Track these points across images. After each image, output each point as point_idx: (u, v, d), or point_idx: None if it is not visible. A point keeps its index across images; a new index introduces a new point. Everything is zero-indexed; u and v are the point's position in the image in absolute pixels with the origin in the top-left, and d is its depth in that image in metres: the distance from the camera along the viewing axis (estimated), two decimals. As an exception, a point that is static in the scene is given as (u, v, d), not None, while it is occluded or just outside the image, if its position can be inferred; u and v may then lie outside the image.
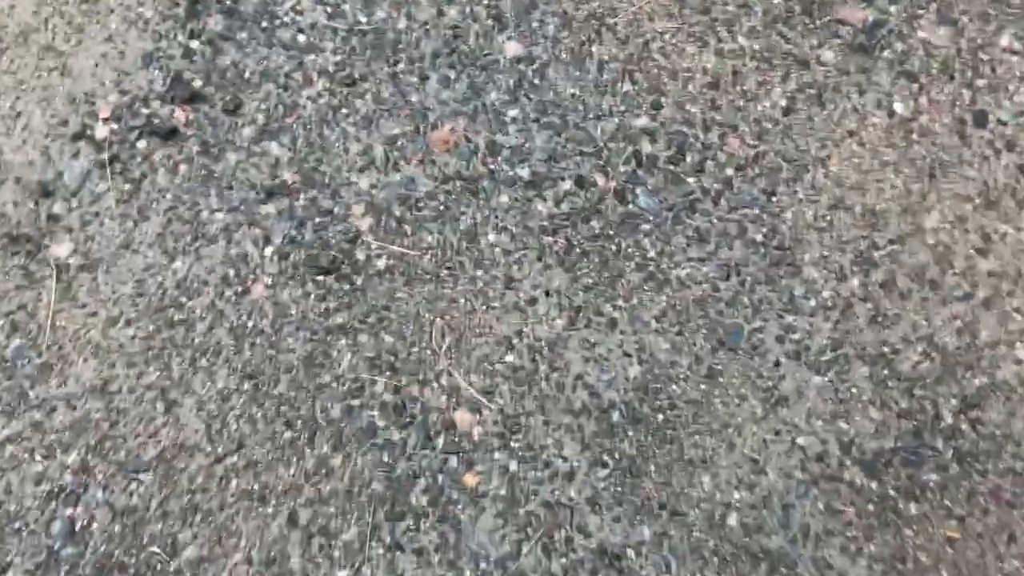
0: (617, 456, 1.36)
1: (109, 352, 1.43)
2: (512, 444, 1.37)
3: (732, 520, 1.34)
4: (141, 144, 1.58)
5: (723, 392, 1.40)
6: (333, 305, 1.47)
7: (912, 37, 1.64)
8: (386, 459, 1.37)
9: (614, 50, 1.65)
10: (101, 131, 1.59)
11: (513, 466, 1.36)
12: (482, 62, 1.64)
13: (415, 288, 1.48)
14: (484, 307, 1.46)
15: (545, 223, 1.52)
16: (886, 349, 1.43)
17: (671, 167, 1.56)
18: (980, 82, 1.60)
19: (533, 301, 1.47)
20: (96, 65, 1.64)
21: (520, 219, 1.52)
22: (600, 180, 1.55)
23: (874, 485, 1.36)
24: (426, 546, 1.32)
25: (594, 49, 1.65)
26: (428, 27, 1.67)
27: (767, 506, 1.34)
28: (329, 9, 1.69)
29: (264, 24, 1.68)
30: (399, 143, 1.58)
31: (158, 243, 1.51)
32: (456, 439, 1.38)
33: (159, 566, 1.31)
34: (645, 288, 1.47)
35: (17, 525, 1.34)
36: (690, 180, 1.55)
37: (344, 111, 1.61)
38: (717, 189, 1.54)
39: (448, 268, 1.49)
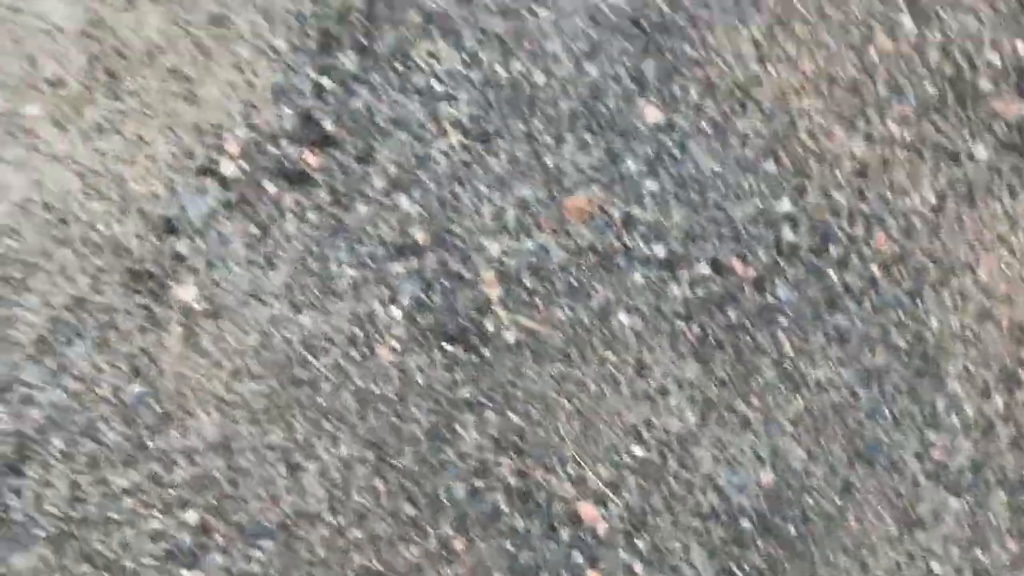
0: (746, 568, 1.33)
1: (232, 407, 1.41)
2: (637, 543, 1.35)
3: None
4: (269, 186, 1.54)
5: (858, 508, 1.36)
6: (460, 377, 1.43)
7: (1071, 140, 1.58)
8: (509, 547, 1.34)
9: (758, 125, 1.59)
10: (228, 167, 1.55)
11: (638, 567, 1.33)
12: (621, 127, 1.59)
13: (544, 366, 1.44)
14: (613, 393, 1.43)
15: (679, 308, 1.48)
16: (1024, 474, 1.39)
17: (813, 258, 1.51)
18: None
19: (664, 391, 1.43)
20: (224, 95, 1.60)
21: (654, 301, 1.48)
22: (738, 266, 1.51)
23: (1004, 618, 1.33)
24: (544, 640, 1.30)
25: (737, 122, 1.59)
26: (566, 84, 1.62)
27: (894, 630, 1.32)
28: (466, 56, 1.63)
29: (398, 66, 1.62)
30: (532, 208, 1.54)
31: (285, 294, 1.47)
32: (581, 533, 1.35)
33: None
34: (780, 387, 1.43)
35: (131, 579, 1.32)
36: (832, 274, 1.50)
37: (477, 168, 1.56)
38: (860, 287, 1.49)
39: (578, 348, 1.45)
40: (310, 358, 1.44)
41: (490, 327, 1.46)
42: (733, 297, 1.49)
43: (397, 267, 1.50)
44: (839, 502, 1.37)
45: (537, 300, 1.48)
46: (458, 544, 1.34)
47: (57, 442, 1.37)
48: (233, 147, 1.57)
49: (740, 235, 1.52)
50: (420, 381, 1.43)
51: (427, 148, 1.58)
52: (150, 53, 1.62)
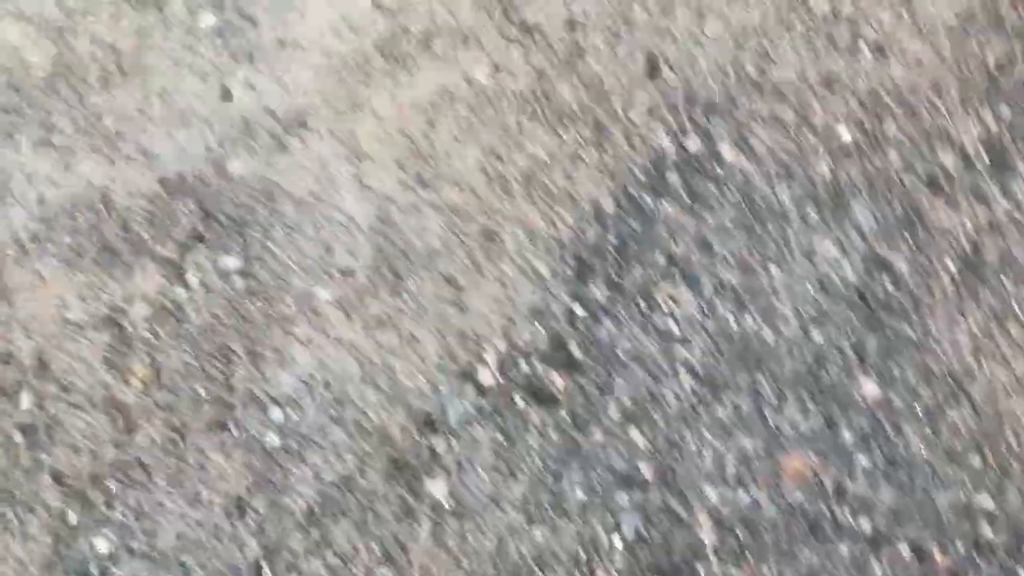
0: None
1: (467, 605, 1.58)
2: None
3: None
4: (520, 400, 1.73)
5: None
6: (670, 615, 1.58)
7: None
8: None
9: (968, 418, 1.71)
10: (486, 376, 1.75)
11: None
12: (840, 397, 1.73)
13: (747, 619, 1.57)
14: (809, 658, 1.55)
15: (879, 587, 1.60)
16: None
17: (1008, 559, 1.61)
18: None
19: (857, 667, 1.54)
20: (488, 308, 1.81)
21: None
22: (937, 555, 1.62)
23: None
24: None
25: (949, 412, 1.72)
26: (792, 346, 1.77)
27: None
28: (704, 304, 1.81)
29: (642, 303, 1.81)
30: (751, 462, 1.69)
31: (522, 505, 1.65)
32: None
33: None
34: None
35: None
36: (1026, 580, 1.60)
37: (703, 413, 1.72)
38: (1054, 599, 1.58)
39: (780, 607, 1.58)
40: (537, 571, 1.61)
41: (702, 573, 1.61)
42: (929, 584, 1.60)
43: (623, 497, 1.66)
44: None
45: (748, 554, 1.62)
46: None
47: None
48: (491, 357, 1.77)
49: (941, 523, 1.64)
50: (633, 613, 1.58)
51: (660, 386, 1.75)
52: (431, 256, 1.85)
